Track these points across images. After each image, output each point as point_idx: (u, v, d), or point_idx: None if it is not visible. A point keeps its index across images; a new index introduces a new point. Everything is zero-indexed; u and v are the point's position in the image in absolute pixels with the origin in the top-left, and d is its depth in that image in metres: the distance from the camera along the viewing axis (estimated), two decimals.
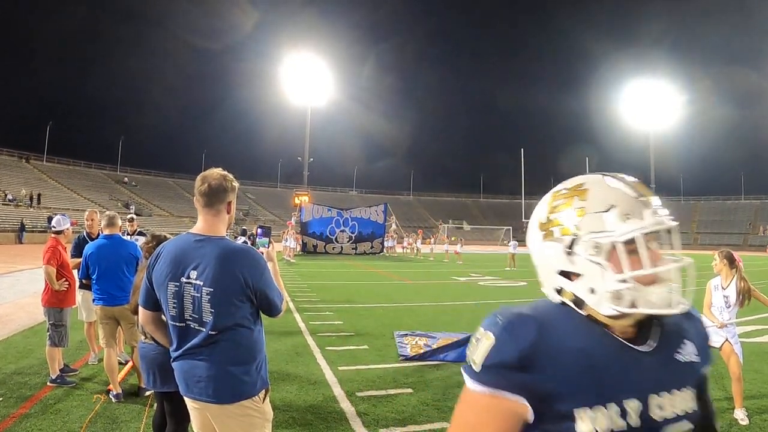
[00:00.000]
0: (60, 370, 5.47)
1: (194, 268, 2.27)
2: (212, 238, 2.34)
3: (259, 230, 2.80)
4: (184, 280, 2.28)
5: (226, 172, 2.46)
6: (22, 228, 39.23)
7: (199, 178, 2.41)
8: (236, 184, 2.49)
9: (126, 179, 68.38)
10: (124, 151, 73.41)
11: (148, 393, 4.83)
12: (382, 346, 7.46)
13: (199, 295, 2.24)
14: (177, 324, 2.32)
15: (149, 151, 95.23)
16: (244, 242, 5.28)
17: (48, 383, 5.32)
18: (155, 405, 3.75)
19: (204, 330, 2.26)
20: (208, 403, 2.30)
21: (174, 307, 2.30)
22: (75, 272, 5.76)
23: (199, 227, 2.39)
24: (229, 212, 2.43)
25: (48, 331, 5.49)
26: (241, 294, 2.27)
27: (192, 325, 2.29)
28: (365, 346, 7.39)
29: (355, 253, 35.63)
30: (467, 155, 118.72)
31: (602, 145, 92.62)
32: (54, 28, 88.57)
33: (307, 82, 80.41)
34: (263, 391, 2.38)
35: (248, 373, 2.31)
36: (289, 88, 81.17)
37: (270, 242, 2.74)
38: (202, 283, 2.24)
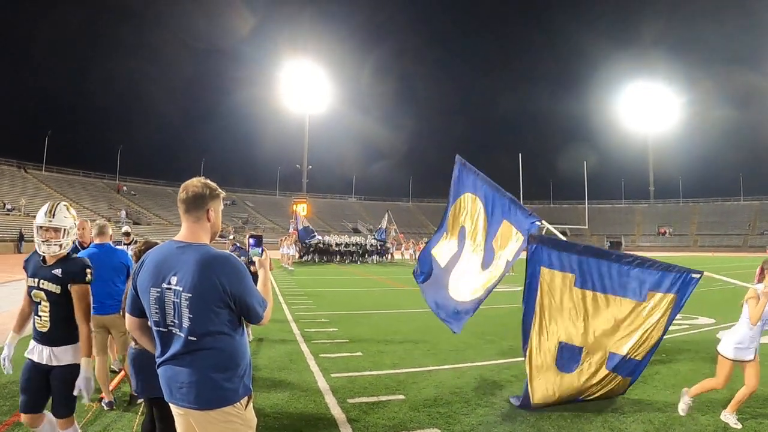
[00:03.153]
0: None
1: (174, 274, 2.30)
2: (193, 244, 2.37)
3: (251, 240, 2.76)
4: (164, 286, 2.31)
5: (208, 181, 2.49)
6: (21, 237, 39.23)
7: (182, 186, 2.45)
8: (220, 192, 2.51)
9: (125, 188, 68.38)
10: (123, 160, 73.46)
11: (140, 401, 4.83)
12: (376, 352, 7.47)
13: (178, 300, 2.27)
14: (160, 329, 2.35)
15: (148, 160, 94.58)
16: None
17: None
18: None
19: (183, 336, 2.29)
20: (190, 409, 2.31)
21: (156, 313, 2.33)
22: None
23: (182, 234, 2.43)
24: (210, 220, 2.45)
25: None
26: (220, 300, 2.29)
27: (174, 331, 2.31)
28: (359, 353, 7.41)
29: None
30: (465, 160, 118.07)
31: (601, 147, 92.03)
32: (53, 37, 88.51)
33: (306, 89, 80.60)
34: (246, 398, 2.39)
35: (230, 379, 2.32)
36: (287, 95, 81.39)
37: (263, 251, 2.74)
38: (181, 289, 2.27)
